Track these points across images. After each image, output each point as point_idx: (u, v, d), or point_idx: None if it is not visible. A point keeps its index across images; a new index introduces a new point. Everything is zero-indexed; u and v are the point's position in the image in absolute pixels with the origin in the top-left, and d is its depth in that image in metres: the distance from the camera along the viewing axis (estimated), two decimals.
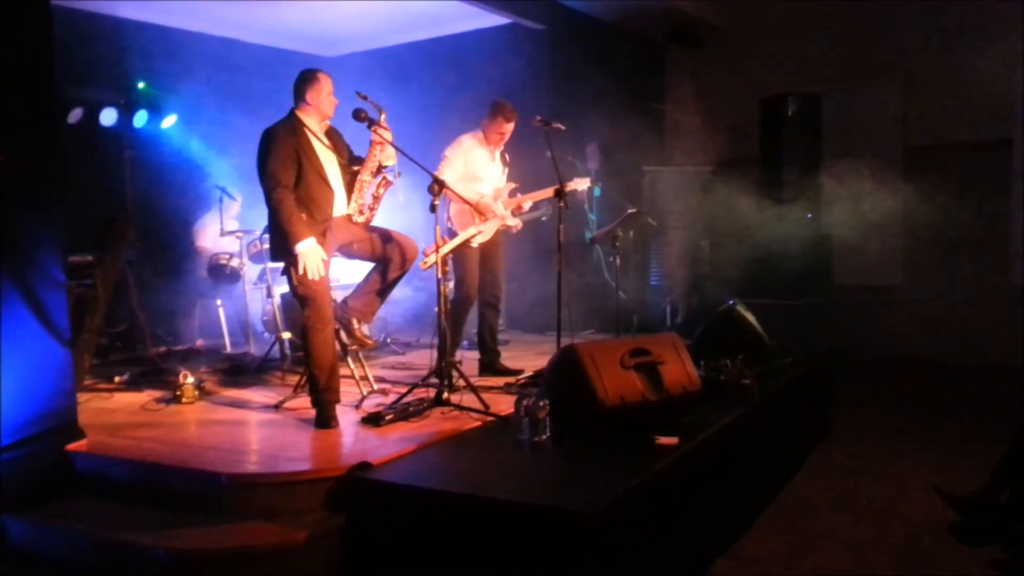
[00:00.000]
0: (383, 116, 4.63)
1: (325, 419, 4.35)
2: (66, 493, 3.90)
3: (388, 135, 4.63)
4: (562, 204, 5.35)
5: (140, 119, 7.81)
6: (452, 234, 5.36)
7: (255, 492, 3.58)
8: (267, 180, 4.35)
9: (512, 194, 5.69)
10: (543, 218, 6.07)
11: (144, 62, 7.70)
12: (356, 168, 4.70)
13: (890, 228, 7.96)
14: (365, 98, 4.55)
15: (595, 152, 8.03)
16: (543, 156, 5.48)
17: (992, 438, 4.91)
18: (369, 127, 4.58)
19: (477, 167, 5.56)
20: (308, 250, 4.29)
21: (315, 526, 3.40)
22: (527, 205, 5.72)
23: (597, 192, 7.87)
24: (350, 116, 4.53)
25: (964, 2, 7.72)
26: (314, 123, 4.55)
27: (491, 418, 4.34)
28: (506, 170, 5.75)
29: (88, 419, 4.38)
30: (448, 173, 5.35)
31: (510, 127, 5.53)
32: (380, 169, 4.71)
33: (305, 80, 4.52)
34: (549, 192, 5.63)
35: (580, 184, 5.82)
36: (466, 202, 5.26)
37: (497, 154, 5.68)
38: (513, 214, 5.67)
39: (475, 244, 5.47)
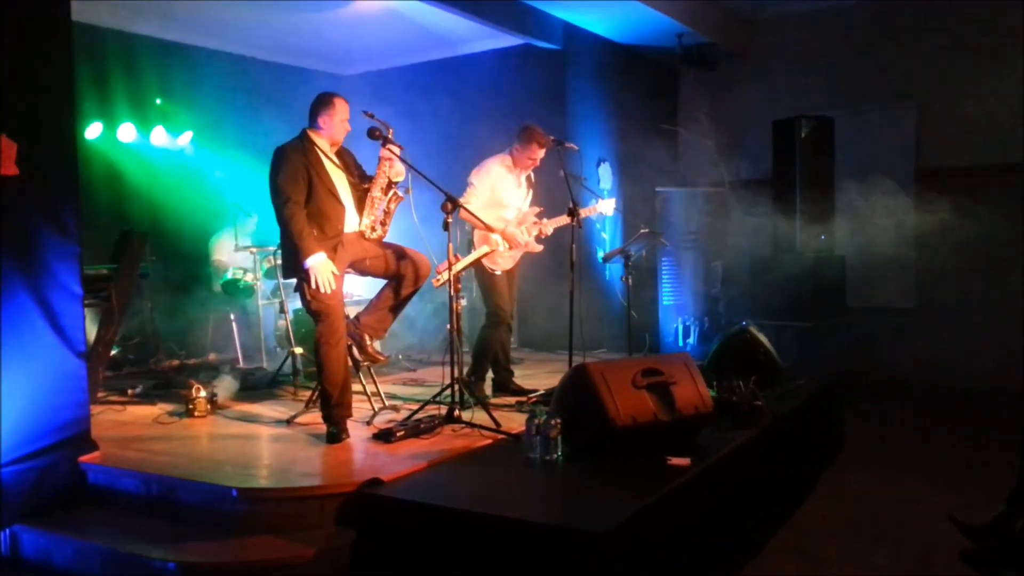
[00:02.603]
0: (391, 132, 4.66)
1: (336, 434, 4.36)
2: (78, 505, 3.93)
3: (396, 151, 4.66)
4: (576, 224, 5.34)
5: (157, 135, 7.90)
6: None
7: (265, 507, 3.59)
8: (278, 196, 4.39)
9: (538, 218, 5.60)
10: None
11: (162, 79, 7.79)
12: (367, 185, 4.73)
13: (903, 251, 7.93)
14: (372, 116, 4.59)
15: (607, 172, 8.06)
16: (555, 176, 5.48)
17: (1006, 462, 4.86)
18: (383, 144, 4.62)
19: (503, 193, 5.44)
20: (319, 265, 4.32)
21: (325, 542, 3.40)
22: (549, 230, 5.62)
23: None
24: (359, 132, 4.58)
25: (976, 26, 7.72)
26: (325, 144, 4.59)
27: (502, 436, 4.33)
28: (530, 192, 5.66)
29: (101, 431, 4.40)
30: (474, 201, 5.29)
31: (542, 153, 5.41)
32: (390, 185, 4.74)
33: (321, 103, 4.57)
34: (585, 213, 5.64)
35: (606, 207, 5.81)
36: (486, 228, 5.26)
37: (523, 178, 5.57)
38: (536, 239, 5.61)
39: (498, 272, 5.45)
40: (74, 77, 4.14)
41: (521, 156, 5.43)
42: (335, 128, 4.58)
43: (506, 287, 5.51)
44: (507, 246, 5.43)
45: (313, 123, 4.57)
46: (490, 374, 5.73)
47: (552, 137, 5.46)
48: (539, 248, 5.64)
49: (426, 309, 7.38)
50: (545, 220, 5.61)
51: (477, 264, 5.41)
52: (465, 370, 5.44)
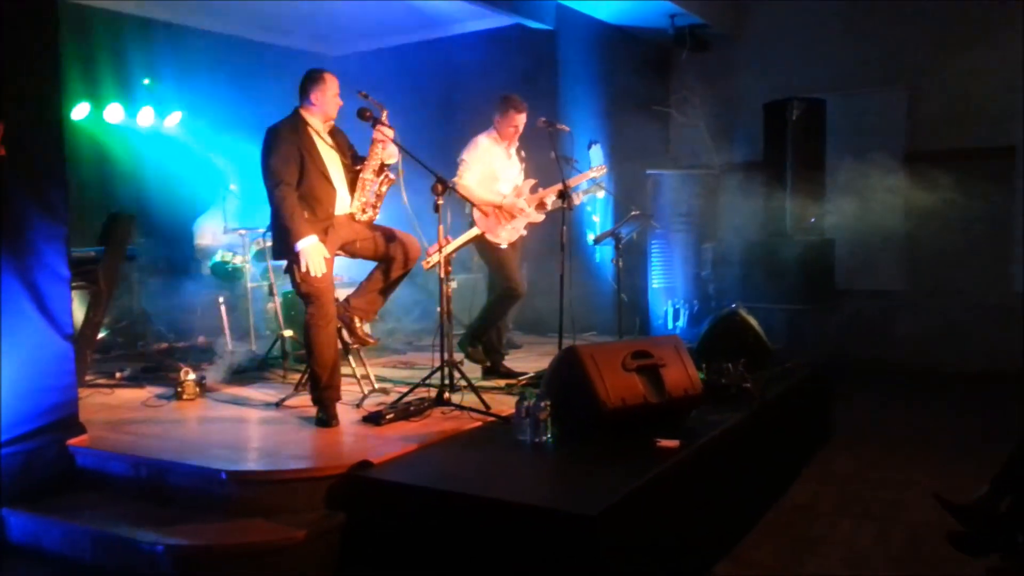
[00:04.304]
0: (385, 114, 4.63)
1: (326, 417, 4.35)
2: (66, 488, 3.91)
3: (390, 133, 4.63)
4: (566, 205, 5.34)
5: (145, 116, 7.83)
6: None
7: (255, 489, 3.59)
8: (270, 178, 4.36)
9: (533, 190, 5.62)
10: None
11: (150, 59, 7.72)
12: (359, 167, 4.70)
13: (893, 233, 7.96)
14: (366, 97, 4.55)
15: (599, 154, 8.03)
16: (547, 157, 5.47)
17: (993, 445, 4.89)
18: (372, 126, 4.59)
19: (496, 167, 5.48)
20: (310, 247, 4.29)
21: (315, 524, 3.40)
22: (550, 200, 5.62)
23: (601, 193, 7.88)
24: (352, 115, 4.54)
25: (968, 8, 7.71)
26: (318, 122, 4.56)
27: (492, 419, 4.34)
28: (523, 166, 5.67)
29: (89, 414, 4.38)
30: (468, 177, 5.33)
31: (522, 118, 5.44)
32: (382, 167, 4.71)
33: (311, 80, 4.52)
34: (576, 180, 5.66)
35: (597, 172, 5.83)
36: (480, 206, 5.25)
37: (513, 151, 5.59)
38: (537, 209, 5.61)
39: (504, 245, 5.45)
40: (60, 57, 4.09)
41: (503, 126, 5.45)
42: (328, 103, 4.54)
43: (515, 260, 5.53)
44: (507, 219, 5.42)
45: (305, 100, 4.53)
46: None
47: (543, 118, 5.45)
48: (540, 217, 5.64)
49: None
50: (541, 190, 5.61)
51: (481, 242, 5.42)
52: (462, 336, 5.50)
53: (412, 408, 4.43)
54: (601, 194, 5.95)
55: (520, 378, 5.41)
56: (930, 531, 4.04)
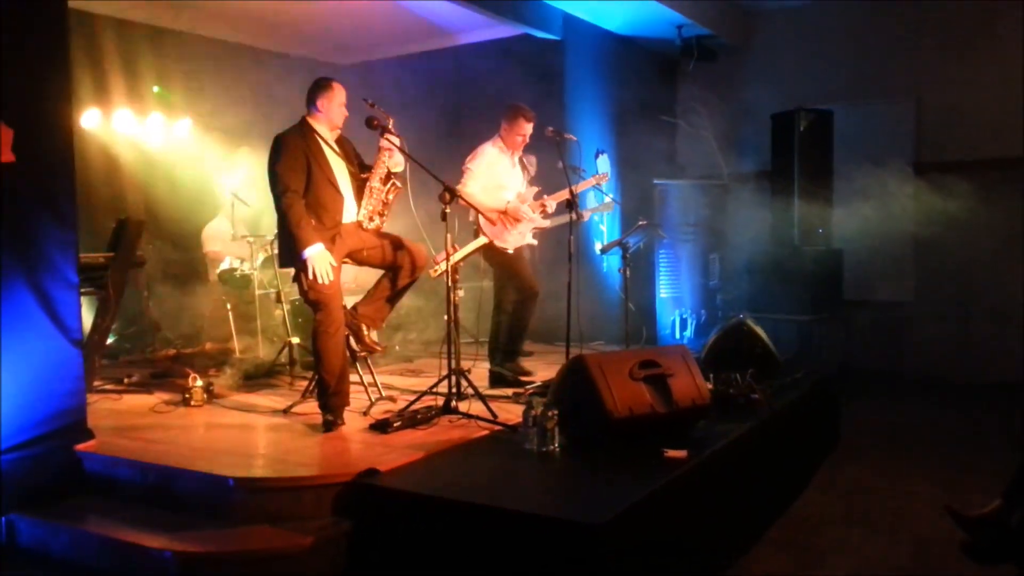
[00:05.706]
0: (391, 122, 4.65)
1: (333, 424, 4.35)
2: (74, 493, 3.92)
3: (396, 141, 4.64)
4: (574, 216, 5.34)
5: (154, 123, 7.87)
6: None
7: (262, 496, 3.59)
8: (277, 185, 4.38)
9: (537, 197, 5.65)
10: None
11: (159, 66, 7.75)
12: (366, 175, 4.72)
13: (901, 244, 7.94)
14: (372, 106, 4.57)
15: (606, 163, 8.04)
16: (555, 167, 5.48)
17: (1002, 456, 4.88)
18: (380, 134, 4.60)
19: (500, 175, 5.51)
20: (317, 255, 4.31)
21: (321, 532, 3.40)
22: (551, 207, 5.67)
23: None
24: (360, 124, 4.56)
25: (976, 18, 7.71)
26: (325, 130, 4.58)
27: (499, 427, 4.33)
28: (527, 174, 5.70)
29: (97, 420, 4.39)
30: (472, 185, 5.36)
31: (530, 128, 5.48)
32: (389, 175, 4.72)
33: (319, 88, 4.55)
34: (581, 187, 5.69)
35: (599, 179, 5.85)
36: (485, 214, 5.27)
37: (516, 159, 5.64)
38: (541, 216, 5.64)
39: (511, 250, 5.48)
40: (70, 64, 4.11)
41: (509, 135, 5.49)
42: (333, 112, 4.56)
43: (524, 261, 5.59)
44: (512, 225, 5.45)
45: (311, 108, 4.56)
46: (487, 365, 5.72)
47: (551, 128, 5.48)
48: (546, 223, 5.67)
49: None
50: (546, 196, 5.65)
51: (490, 249, 5.44)
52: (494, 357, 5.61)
53: (419, 416, 4.44)
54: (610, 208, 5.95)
55: (527, 387, 5.41)
56: (939, 542, 4.01)
